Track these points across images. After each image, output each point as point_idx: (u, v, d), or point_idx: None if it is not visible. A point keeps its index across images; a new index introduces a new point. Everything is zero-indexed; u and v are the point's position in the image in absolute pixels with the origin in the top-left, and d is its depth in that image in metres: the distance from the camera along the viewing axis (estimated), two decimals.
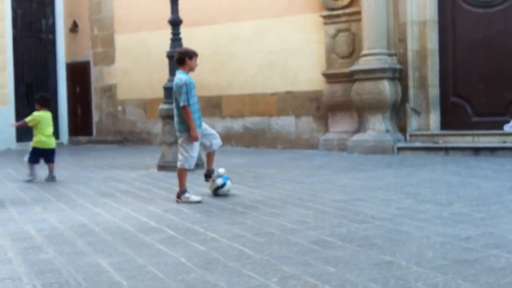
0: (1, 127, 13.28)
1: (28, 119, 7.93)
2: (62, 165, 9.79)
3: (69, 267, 3.55)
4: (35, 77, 14.96)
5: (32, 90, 14.74)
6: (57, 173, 8.19)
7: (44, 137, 7.86)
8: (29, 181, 7.77)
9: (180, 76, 5.98)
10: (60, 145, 14.84)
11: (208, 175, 6.31)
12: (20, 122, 8.31)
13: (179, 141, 6.12)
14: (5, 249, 4.06)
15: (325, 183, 7.21)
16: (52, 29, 15.39)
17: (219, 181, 6.25)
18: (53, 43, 15.38)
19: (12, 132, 13.66)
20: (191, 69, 6.12)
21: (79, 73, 15.73)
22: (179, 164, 6.04)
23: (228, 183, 6.29)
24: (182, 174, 6.02)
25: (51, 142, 7.97)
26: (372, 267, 3.46)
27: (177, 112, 6.02)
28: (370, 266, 3.49)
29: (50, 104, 8.36)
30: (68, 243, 4.23)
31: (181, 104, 5.88)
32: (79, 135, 15.65)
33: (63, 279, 3.32)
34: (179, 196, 5.97)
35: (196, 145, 6.06)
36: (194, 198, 5.93)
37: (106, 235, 4.46)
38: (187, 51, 6.17)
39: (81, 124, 15.74)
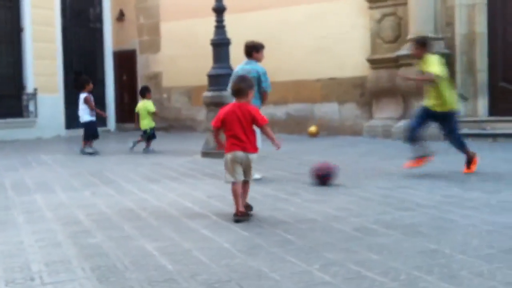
0: (52, 114, 13.71)
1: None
2: (110, 151, 10.05)
3: (117, 251, 3.65)
4: (83, 65, 15.31)
5: None
6: (105, 159, 8.79)
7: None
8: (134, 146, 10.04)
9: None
10: (107, 132, 15.23)
11: None
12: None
13: None
14: (55, 233, 4.21)
15: (370, 170, 7.16)
16: (99, 18, 15.71)
17: None
18: (100, 31, 15.71)
19: (61, 120, 14.07)
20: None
21: (126, 61, 16.02)
22: None
23: None
24: None
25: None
26: (416, 255, 3.44)
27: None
28: (414, 254, 3.46)
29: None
30: (116, 227, 4.35)
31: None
32: (126, 122, 15.96)
33: (111, 262, 3.42)
34: None
35: None
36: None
37: (152, 220, 4.56)
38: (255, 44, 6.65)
39: (128, 111, 16.04)
